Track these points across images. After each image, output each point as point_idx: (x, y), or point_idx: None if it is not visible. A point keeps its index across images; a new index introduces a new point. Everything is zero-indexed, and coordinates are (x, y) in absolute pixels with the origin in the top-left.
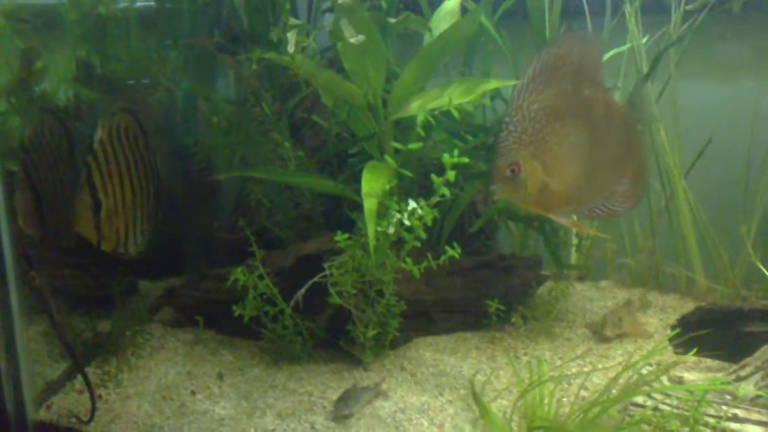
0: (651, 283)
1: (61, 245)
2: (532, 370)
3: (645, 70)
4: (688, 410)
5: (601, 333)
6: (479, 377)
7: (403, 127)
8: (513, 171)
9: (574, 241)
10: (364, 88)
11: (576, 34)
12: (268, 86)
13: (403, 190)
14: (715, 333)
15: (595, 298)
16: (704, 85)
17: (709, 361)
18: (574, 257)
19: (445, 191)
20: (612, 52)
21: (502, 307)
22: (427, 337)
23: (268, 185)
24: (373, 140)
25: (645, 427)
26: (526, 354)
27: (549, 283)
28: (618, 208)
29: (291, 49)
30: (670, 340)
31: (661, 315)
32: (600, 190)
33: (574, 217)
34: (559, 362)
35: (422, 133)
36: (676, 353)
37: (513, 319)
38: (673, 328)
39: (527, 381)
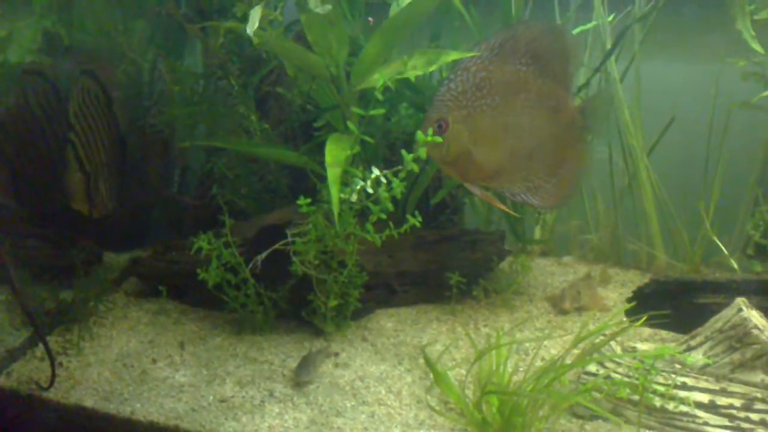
0: (613, 259)
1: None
2: (490, 340)
3: (608, 45)
4: (638, 378)
5: (560, 306)
6: (438, 347)
7: (368, 100)
8: (440, 127)
9: (538, 217)
10: (327, 60)
11: (551, 24)
12: (236, 59)
13: (368, 163)
14: (669, 305)
15: (556, 272)
16: (668, 65)
17: (664, 333)
18: (537, 233)
19: (414, 167)
20: (577, 30)
21: (463, 280)
22: (388, 308)
23: (232, 157)
24: (336, 111)
25: (596, 394)
26: (486, 326)
27: (511, 258)
28: (536, 202)
29: (253, 26)
30: (626, 312)
31: (621, 289)
32: (524, 180)
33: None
34: (518, 334)
35: (381, 98)
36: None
37: (474, 292)
38: (628, 300)
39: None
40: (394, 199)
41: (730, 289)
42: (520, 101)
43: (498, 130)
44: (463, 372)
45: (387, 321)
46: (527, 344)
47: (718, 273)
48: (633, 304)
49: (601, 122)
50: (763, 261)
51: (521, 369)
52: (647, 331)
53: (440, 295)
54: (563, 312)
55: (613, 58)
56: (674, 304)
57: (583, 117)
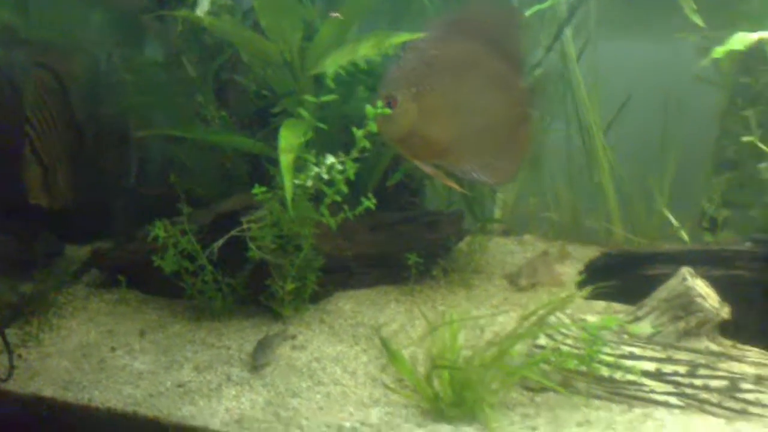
0: (572, 236)
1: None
2: (446, 318)
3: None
4: (585, 350)
5: (516, 283)
6: (395, 327)
7: (325, 84)
8: (389, 104)
9: (498, 197)
10: (281, 45)
11: (502, 4)
12: (195, 47)
13: (325, 147)
14: (620, 277)
15: (516, 251)
16: (626, 43)
17: (617, 306)
18: (498, 213)
19: (366, 143)
20: (533, 9)
21: (421, 261)
22: (347, 290)
23: (190, 145)
24: (293, 97)
25: (545, 366)
26: (443, 305)
27: (470, 237)
28: (485, 179)
29: (203, 9)
30: (580, 285)
31: (578, 265)
32: (473, 157)
33: None
34: (474, 311)
35: (332, 85)
36: (585, 298)
37: (434, 273)
38: (579, 274)
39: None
40: (352, 183)
41: (678, 260)
42: (470, 80)
43: (448, 108)
44: (419, 350)
45: (346, 303)
46: (482, 321)
47: (669, 245)
48: (583, 277)
49: (549, 101)
50: (717, 233)
51: (476, 345)
52: (601, 304)
53: (399, 276)
54: (520, 289)
55: (570, 38)
56: (624, 277)
57: (531, 96)
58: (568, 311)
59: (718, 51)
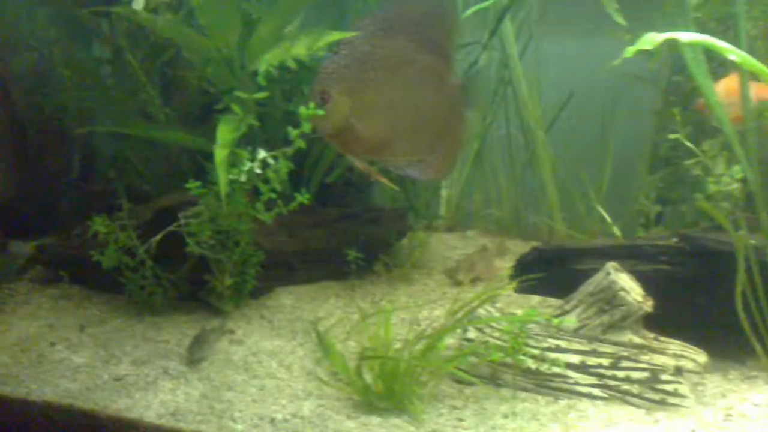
0: (515, 232)
1: None
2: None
3: (509, 26)
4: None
5: (455, 278)
6: (333, 321)
7: (266, 80)
8: (322, 99)
9: (444, 194)
10: (219, 42)
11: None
12: (143, 43)
13: (269, 144)
14: (551, 272)
15: (458, 246)
16: (566, 42)
17: (552, 300)
18: (443, 209)
19: (301, 143)
20: (473, 9)
21: (361, 256)
22: (288, 286)
23: (134, 141)
24: (232, 94)
25: (474, 359)
26: (382, 299)
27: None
28: (418, 175)
29: (139, 5)
30: (511, 279)
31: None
32: (406, 153)
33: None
34: (413, 306)
35: (263, 83)
36: (517, 292)
37: (375, 268)
38: (512, 269)
39: (379, 323)
40: (296, 179)
41: (606, 255)
42: (403, 76)
43: (381, 104)
44: (353, 344)
45: (286, 298)
46: (419, 315)
47: (599, 240)
48: (514, 272)
49: (480, 99)
50: (650, 229)
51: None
52: (537, 299)
53: (341, 271)
54: (458, 284)
55: (512, 37)
56: (555, 271)
57: (464, 93)
58: (499, 305)
59: (629, 51)
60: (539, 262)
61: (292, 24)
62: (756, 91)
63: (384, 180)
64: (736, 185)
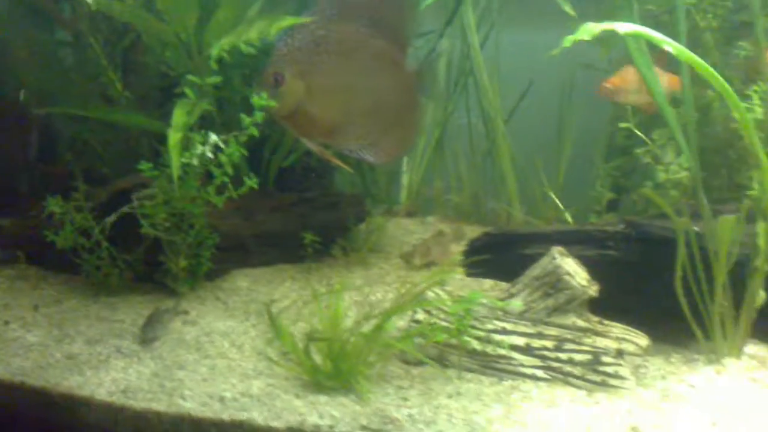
0: (473, 218)
1: None
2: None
3: (471, 15)
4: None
5: (410, 262)
6: (287, 303)
7: (224, 65)
8: (276, 80)
9: (405, 180)
10: (176, 27)
11: None
12: (104, 27)
13: (225, 128)
14: (501, 256)
15: (417, 231)
16: (525, 32)
17: (504, 284)
18: (404, 195)
19: (254, 131)
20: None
21: (318, 240)
22: (245, 269)
23: (93, 123)
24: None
25: (422, 340)
26: (338, 282)
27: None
28: (371, 159)
29: None
30: (462, 263)
31: None
32: (360, 137)
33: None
34: (366, 288)
35: (215, 66)
36: (470, 276)
37: (333, 252)
38: (462, 253)
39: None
40: (257, 163)
41: (554, 240)
42: (357, 60)
43: (334, 88)
44: (305, 325)
45: (242, 280)
46: (373, 298)
47: (549, 226)
48: (464, 257)
49: (434, 85)
50: (602, 215)
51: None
52: (489, 282)
53: (298, 255)
54: (413, 267)
55: (473, 26)
56: (504, 255)
57: (418, 79)
58: (449, 288)
59: (567, 40)
60: (489, 246)
61: (253, 9)
62: (666, 81)
63: (338, 163)
64: (684, 173)
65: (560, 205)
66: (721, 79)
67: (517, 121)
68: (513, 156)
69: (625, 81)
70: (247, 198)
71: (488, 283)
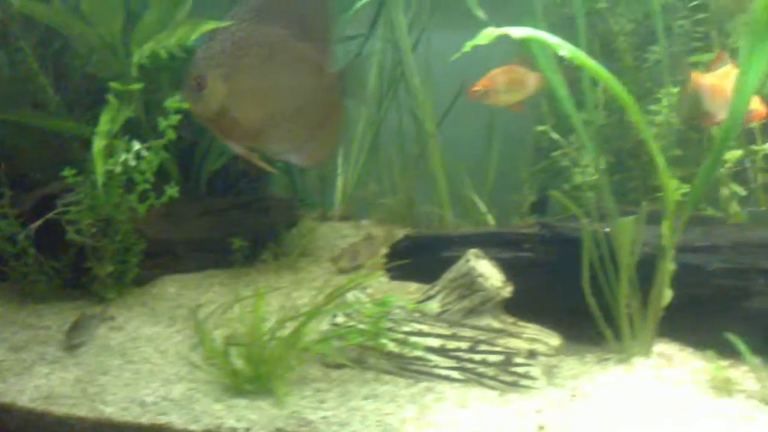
0: (407, 221)
1: None
2: (265, 299)
3: (399, 17)
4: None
5: (339, 265)
6: (213, 308)
7: (154, 69)
8: (199, 84)
9: (339, 183)
10: (101, 30)
11: None
12: (37, 30)
13: (154, 133)
14: (422, 259)
15: (350, 235)
16: (456, 35)
17: (427, 287)
18: (338, 198)
19: (172, 135)
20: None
21: (248, 245)
22: (175, 274)
23: (24, 128)
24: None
25: (341, 343)
26: (266, 287)
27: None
28: (297, 161)
29: None
30: (384, 266)
31: None
32: (284, 140)
33: None
34: (294, 293)
35: (134, 73)
36: (393, 278)
37: (263, 257)
38: (385, 256)
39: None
40: (187, 168)
41: (472, 243)
42: (279, 63)
43: (257, 90)
44: (230, 330)
45: (171, 286)
46: (300, 302)
47: (470, 228)
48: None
49: (360, 88)
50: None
51: (287, 325)
52: (413, 285)
53: (228, 260)
54: (342, 271)
55: (405, 29)
56: (424, 258)
57: (342, 82)
58: (370, 291)
59: (467, 45)
60: (411, 249)
61: (181, 12)
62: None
63: (264, 166)
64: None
65: (483, 207)
66: (616, 82)
67: (449, 124)
68: (444, 159)
69: (494, 83)
70: (177, 203)
71: (413, 285)
